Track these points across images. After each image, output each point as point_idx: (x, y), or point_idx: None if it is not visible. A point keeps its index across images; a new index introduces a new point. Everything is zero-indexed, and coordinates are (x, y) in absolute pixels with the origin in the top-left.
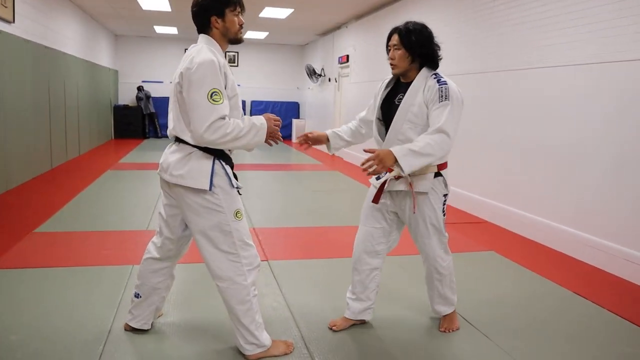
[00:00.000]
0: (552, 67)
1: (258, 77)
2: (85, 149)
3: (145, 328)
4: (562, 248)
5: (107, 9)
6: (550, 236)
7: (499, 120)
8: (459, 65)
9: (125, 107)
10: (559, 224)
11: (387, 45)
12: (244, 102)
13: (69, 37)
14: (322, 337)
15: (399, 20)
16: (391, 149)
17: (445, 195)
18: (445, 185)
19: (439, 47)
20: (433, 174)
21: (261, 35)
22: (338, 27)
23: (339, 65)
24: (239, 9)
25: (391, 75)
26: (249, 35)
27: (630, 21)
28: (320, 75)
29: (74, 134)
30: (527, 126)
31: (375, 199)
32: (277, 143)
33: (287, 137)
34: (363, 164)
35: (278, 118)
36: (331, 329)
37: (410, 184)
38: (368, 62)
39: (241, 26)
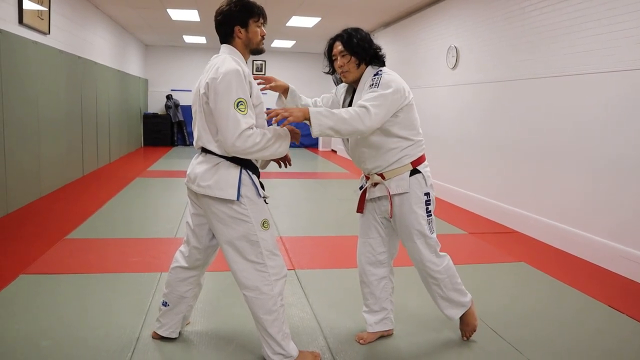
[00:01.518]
0: (581, 75)
1: None
2: (116, 157)
3: (173, 336)
4: (597, 260)
5: (138, 20)
6: (585, 248)
7: (526, 129)
8: (487, 73)
9: (155, 116)
10: (594, 235)
11: (331, 55)
12: None
13: (101, 48)
14: (350, 349)
15: (428, 28)
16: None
17: (427, 194)
18: (426, 182)
19: (379, 47)
20: (408, 173)
21: (288, 44)
22: None
23: None
24: (261, 20)
25: (344, 86)
26: (276, 43)
27: None
28: None
29: (105, 142)
30: (559, 134)
31: (359, 209)
32: (286, 166)
33: (313, 145)
34: (269, 112)
35: (299, 131)
36: (358, 342)
37: (387, 188)
38: (396, 69)
39: (263, 37)
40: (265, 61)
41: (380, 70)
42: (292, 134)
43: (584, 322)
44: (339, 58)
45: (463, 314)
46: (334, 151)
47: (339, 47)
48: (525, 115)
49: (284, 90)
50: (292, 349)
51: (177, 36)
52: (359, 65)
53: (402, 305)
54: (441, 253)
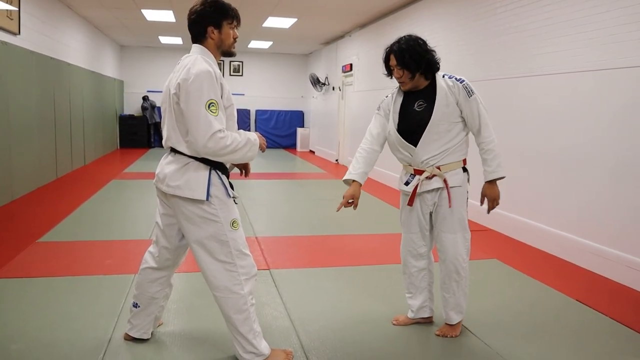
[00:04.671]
0: (554, 75)
1: (262, 86)
2: (91, 159)
3: (145, 337)
4: (564, 255)
5: (112, 20)
6: (553, 243)
7: (501, 128)
8: (460, 73)
9: (131, 117)
10: (561, 231)
11: (388, 65)
12: (248, 111)
13: (75, 48)
14: (322, 346)
15: (402, 29)
16: (488, 179)
17: (467, 192)
18: (468, 181)
19: (434, 51)
20: (461, 169)
21: (265, 44)
22: (341, 36)
23: (343, 74)
24: (235, 23)
25: (396, 88)
26: (253, 44)
27: (632, 28)
28: (324, 84)
29: (79, 144)
30: (529, 133)
31: (410, 202)
32: (245, 175)
33: (291, 146)
34: (490, 210)
35: (264, 139)
36: (392, 323)
37: (445, 180)
38: (371, 70)
39: (235, 39)
40: (242, 62)
41: (447, 74)
42: (260, 140)
43: (549, 314)
44: (395, 70)
45: (458, 321)
46: (312, 152)
47: (393, 61)
48: (498, 114)
49: (359, 188)
50: (264, 347)
51: (152, 37)
52: (412, 77)
53: (376, 302)
54: None
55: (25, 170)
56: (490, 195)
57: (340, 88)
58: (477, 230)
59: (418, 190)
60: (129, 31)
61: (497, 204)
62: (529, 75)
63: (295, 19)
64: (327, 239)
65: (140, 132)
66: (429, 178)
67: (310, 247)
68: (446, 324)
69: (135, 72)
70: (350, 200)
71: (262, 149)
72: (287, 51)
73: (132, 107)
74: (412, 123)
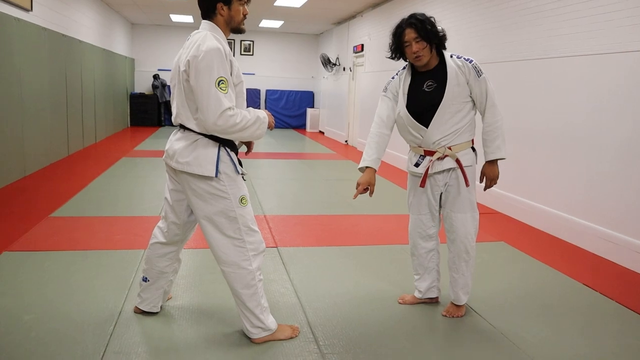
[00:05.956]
0: (565, 57)
1: (273, 66)
2: (102, 137)
3: (155, 311)
4: (572, 239)
5: None
6: (560, 227)
7: (510, 110)
8: (471, 54)
9: (142, 95)
10: (569, 215)
11: (403, 41)
12: (259, 91)
13: (86, 26)
14: (328, 323)
15: (415, 10)
16: (489, 158)
17: (475, 172)
18: (476, 161)
19: (442, 29)
20: (471, 149)
21: (276, 24)
22: (353, 16)
23: (354, 54)
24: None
25: (402, 68)
26: (264, 24)
27: None
28: (335, 65)
29: (90, 122)
30: (536, 116)
31: (422, 183)
32: (246, 153)
33: (301, 127)
34: (487, 188)
35: (273, 118)
36: (398, 302)
37: (457, 160)
38: (383, 51)
39: (245, 16)
40: (253, 41)
41: (454, 54)
42: (269, 118)
43: (556, 297)
44: (413, 44)
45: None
46: (321, 132)
47: (412, 34)
48: (509, 97)
49: (374, 174)
50: (271, 322)
51: (163, 15)
52: (430, 50)
53: (383, 281)
54: None
55: (37, 146)
56: (489, 174)
57: (351, 69)
58: (485, 213)
59: (430, 171)
60: (140, 9)
61: (495, 183)
62: (541, 58)
63: None
64: (335, 219)
65: (150, 110)
66: (440, 159)
67: (318, 227)
68: (453, 303)
69: (146, 50)
70: (366, 187)
71: (270, 127)
72: (298, 31)
73: (143, 85)
74: (422, 104)
